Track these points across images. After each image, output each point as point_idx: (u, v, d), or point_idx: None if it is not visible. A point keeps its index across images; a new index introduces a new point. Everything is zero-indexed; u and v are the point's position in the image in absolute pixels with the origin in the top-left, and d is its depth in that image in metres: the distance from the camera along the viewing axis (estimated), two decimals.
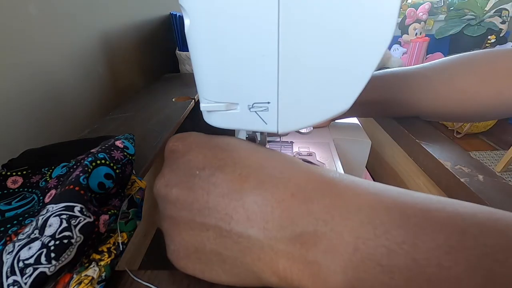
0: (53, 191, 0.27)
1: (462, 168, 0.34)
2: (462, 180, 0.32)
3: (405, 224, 0.12)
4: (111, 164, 0.26)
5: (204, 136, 0.18)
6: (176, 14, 0.83)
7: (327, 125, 0.52)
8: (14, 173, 0.30)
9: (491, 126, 1.85)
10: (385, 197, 0.13)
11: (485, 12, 1.98)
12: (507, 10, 2.07)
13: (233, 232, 0.14)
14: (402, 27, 2.17)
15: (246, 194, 0.14)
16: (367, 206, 0.13)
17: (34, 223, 0.20)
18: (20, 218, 0.25)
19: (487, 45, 2.06)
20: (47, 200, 0.27)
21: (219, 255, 0.15)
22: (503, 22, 2.06)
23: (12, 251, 0.18)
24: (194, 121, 0.73)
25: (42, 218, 0.20)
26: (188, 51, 0.83)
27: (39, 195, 0.29)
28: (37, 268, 0.18)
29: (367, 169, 0.63)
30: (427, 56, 2.23)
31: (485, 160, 1.66)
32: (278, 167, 0.15)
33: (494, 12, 2.02)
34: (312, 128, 0.50)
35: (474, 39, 2.02)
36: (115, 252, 0.22)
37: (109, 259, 0.22)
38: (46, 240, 0.18)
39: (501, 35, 2.07)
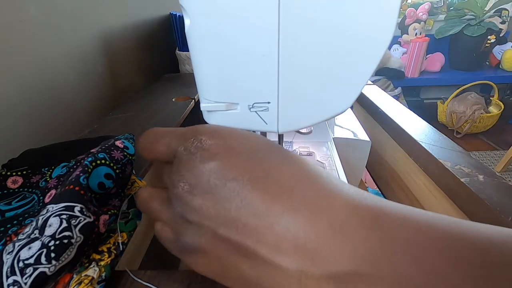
0: (53, 191, 0.27)
1: (462, 168, 0.34)
2: (462, 180, 0.32)
3: (464, 270, 0.10)
4: (111, 164, 0.26)
5: (234, 136, 0.15)
6: (176, 14, 0.83)
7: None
8: (14, 173, 0.30)
9: (491, 126, 1.85)
10: (438, 232, 0.11)
11: (485, 12, 1.98)
12: (507, 10, 2.07)
13: (258, 255, 0.12)
14: (402, 27, 2.17)
15: (277, 217, 0.12)
16: (418, 245, 0.11)
17: (34, 223, 0.20)
18: (20, 218, 0.25)
19: (487, 45, 2.06)
20: (47, 200, 0.27)
21: (239, 270, 0.14)
22: (503, 22, 2.06)
23: (12, 251, 0.18)
24: (194, 121, 0.73)
25: (42, 218, 0.20)
26: (188, 51, 0.83)
27: (39, 195, 0.29)
28: (37, 268, 0.18)
29: (367, 169, 0.63)
30: (427, 56, 2.23)
31: (485, 160, 1.66)
32: (313, 188, 0.13)
33: (494, 12, 2.02)
34: (312, 128, 0.50)
35: (474, 39, 2.02)
36: (115, 252, 0.22)
37: (109, 259, 0.22)
38: (46, 240, 0.18)
39: (501, 35, 2.07)
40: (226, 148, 0.14)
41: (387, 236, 0.11)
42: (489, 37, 2.03)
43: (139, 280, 0.21)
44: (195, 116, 0.61)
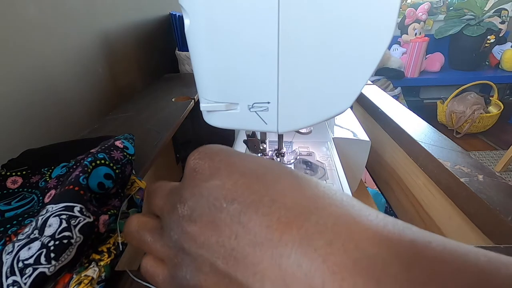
0: (52, 191, 0.27)
1: (462, 168, 0.34)
2: (461, 180, 0.32)
3: None
4: (111, 164, 0.26)
5: (237, 154, 0.14)
6: (176, 14, 0.83)
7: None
8: (13, 173, 0.30)
9: (490, 126, 1.86)
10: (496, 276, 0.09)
11: (484, 12, 1.99)
12: (506, 10, 2.07)
13: None
14: (402, 27, 2.17)
15: (286, 250, 0.10)
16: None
17: (33, 223, 0.20)
18: (20, 218, 0.25)
19: (486, 45, 2.07)
20: (46, 200, 0.27)
21: None
22: (502, 22, 2.06)
23: (11, 251, 0.18)
24: (194, 121, 0.73)
25: (42, 218, 0.20)
26: (188, 51, 0.83)
27: (39, 195, 0.29)
28: (36, 268, 0.18)
29: (367, 169, 0.63)
30: (427, 56, 2.23)
31: (485, 160, 1.66)
32: (329, 214, 0.11)
33: (493, 12, 2.02)
34: (312, 128, 0.50)
35: (473, 39, 2.02)
36: (115, 252, 0.22)
37: (109, 259, 0.22)
38: (45, 240, 0.18)
39: (500, 35, 2.07)
40: (228, 164, 0.13)
41: (427, 277, 0.09)
42: (488, 37, 2.03)
43: (139, 281, 0.21)
44: (195, 116, 0.61)
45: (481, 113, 1.82)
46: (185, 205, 0.12)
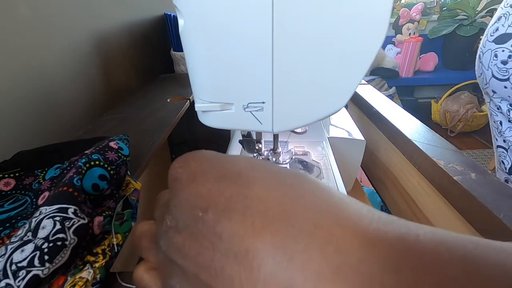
0: (46, 193, 0.27)
1: (455, 167, 0.35)
2: (455, 178, 0.32)
3: None
4: (105, 165, 0.25)
5: (214, 157, 0.13)
6: (170, 14, 0.83)
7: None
8: (6, 175, 0.29)
9: (483, 124, 1.88)
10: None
11: (477, 12, 2.01)
12: None
13: None
14: (396, 27, 2.19)
15: (262, 259, 0.09)
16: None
17: (27, 225, 0.20)
18: (13, 221, 0.25)
19: (479, 44, 2.10)
20: (40, 202, 0.27)
21: None
22: None
23: (4, 254, 0.18)
24: (190, 121, 0.73)
25: (35, 220, 0.19)
26: (183, 51, 0.83)
27: (32, 197, 0.28)
28: (30, 271, 0.17)
29: (362, 168, 0.63)
30: (421, 56, 2.25)
31: (478, 159, 1.68)
32: (309, 216, 0.10)
33: (486, 12, 2.05)
34: (307, 128, 0.50)
35: (466, 39, 2.05)
36: (109, 253, 0.22)
37: (104, 260, 0.21)
38: (39, 242, 0.18)
39: None
40: (203, 170, 0.12)
41: (417, 276, 0.08)
42: (481, 37, 2.06)
43: (127, 285, 0.21)
44: (191, 117, 0.60)
45: (474, 112, 1.84)
46: (170, 215, 0.12)
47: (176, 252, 0.11)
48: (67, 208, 0.20)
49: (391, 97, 2.07)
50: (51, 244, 0.18)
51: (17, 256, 0.18)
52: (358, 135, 0.48)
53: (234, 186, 0.11)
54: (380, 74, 2.09)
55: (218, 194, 0.11)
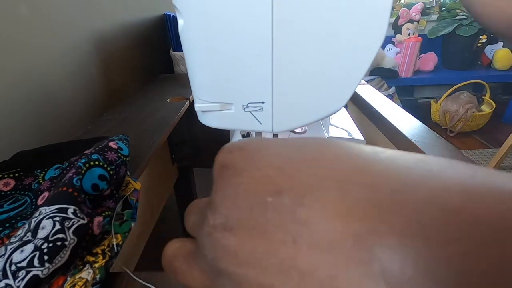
0: (46, 193, 0.27)
1: None
2: None
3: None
4: (105, 166, 0.25)
5: (269, 139, 0.11)
6: (170, 14, 0.83)
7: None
8: (6, 175, 0.29)
9: (483, 124, 1.88)
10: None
11: None
12: None
13: None
14: (396, 27, 2.19)
15: (366, 255, 0.07)
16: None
17: (26, 226, 0.20)
18: (13, 221, 0.25)
19: (478, 45, 2.09)
20: (40, 202, 0.27)
21: None
22: None
23: (4, 254, 0.18)
24: (190, 121, 0.73)
25: (35, 221, 0.19)
26: (182, 51, 0.82)
27: (32, 197, 0.28)
28: (30, 271, 0.17)
29: None
30: (420, 55, 2.25)
31: (478, 158, 1.69)
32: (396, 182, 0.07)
33: None
34: (307, 128, 0.50)
35: (466, 38, 2.05)
36: (109, 254, 0.22)
37: (104, 261, 0.21)
38: (39, 242, 0.18)
39: (492, 35, 2.10)
40: (264, 149, 0.10)
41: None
42: (480, 37, 2.06)
43: (139, 280, 0.21)
44: (190, 117, 0.60)
45: (474, 112, 1.84)
46: (216, 212, 0.09)
47: (228, 258, 0.09)
48: (67, 208, 0.20)
49: (390, 97, 2.08)
50: (50, 244, 0.18)
51: (17, 256, 0.18)
52: (357, 135, 0.48)
53: (310, 161, 0.09)
54: (380, 74, 2.09)
55: (293, 172, 0.08)
